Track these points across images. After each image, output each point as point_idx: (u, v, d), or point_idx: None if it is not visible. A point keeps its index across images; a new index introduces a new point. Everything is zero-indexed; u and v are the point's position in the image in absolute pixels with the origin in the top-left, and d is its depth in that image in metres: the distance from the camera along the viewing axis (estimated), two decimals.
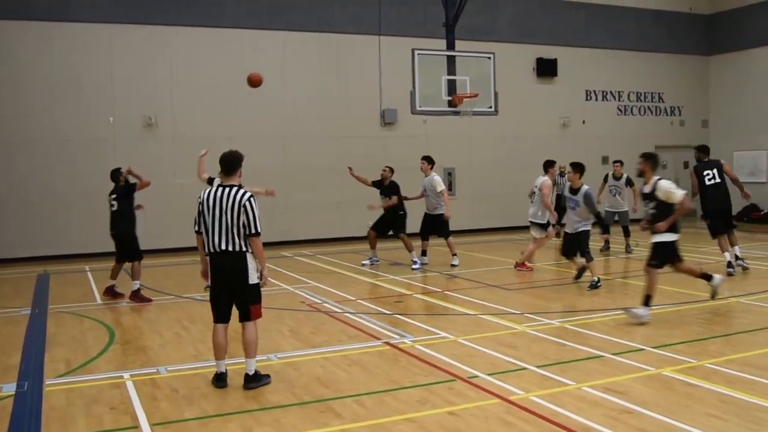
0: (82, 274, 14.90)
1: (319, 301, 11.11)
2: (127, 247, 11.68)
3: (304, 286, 12.61)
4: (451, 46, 16.16)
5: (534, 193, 14.10)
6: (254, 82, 10.56)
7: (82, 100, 17.58)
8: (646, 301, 9.04)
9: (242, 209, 6.72)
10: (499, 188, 21.79)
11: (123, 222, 11.60)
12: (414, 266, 14.14)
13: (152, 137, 18.14)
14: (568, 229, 12.17)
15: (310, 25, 19.56)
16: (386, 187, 14.75)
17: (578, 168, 12.05)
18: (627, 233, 16.33)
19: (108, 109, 17.74)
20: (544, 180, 13.97)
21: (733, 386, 6.45)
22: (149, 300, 11.54)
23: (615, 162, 16.90)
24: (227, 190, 6.82)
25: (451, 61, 15.65)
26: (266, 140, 19.05)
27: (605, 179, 16.96)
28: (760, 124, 24.04)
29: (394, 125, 20.35)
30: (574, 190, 11.88)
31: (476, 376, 6.93)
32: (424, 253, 14.79)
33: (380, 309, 10.38)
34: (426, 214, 14.73)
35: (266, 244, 17.48)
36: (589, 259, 11.84)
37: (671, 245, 9.21)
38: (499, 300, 10.88)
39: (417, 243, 14.71)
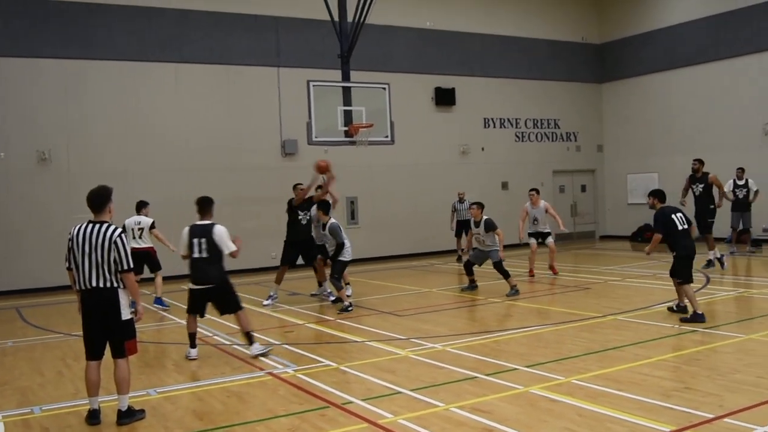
0: None
1: (210, 334, 11.09)
2: None
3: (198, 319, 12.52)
4: (346, 76, 16.38)
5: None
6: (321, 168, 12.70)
7: None
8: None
9: (113, 245, 6.72)
10: (401, 216, 22.15)
11: None
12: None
13: (46, 172, 17.80)
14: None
15: (204, 57, 19.60)
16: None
17: None
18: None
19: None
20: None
21: (594, 401, 6.75)
22: None
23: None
24: (97, 226, 6.81)
25: (346, 92, 15.84)
26: (164, 174, 18.92)
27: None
28: (650, 148, 25.12)
29: (295, 155, 20.48)
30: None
31: (350, 402, 7.07)
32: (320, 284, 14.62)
33: (270, 339, 10.43)
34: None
35: (168, 278, 17.40)
36: (339, 287, 12.35)
37: None
38: (388, 326, 11.07)
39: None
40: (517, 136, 25.04)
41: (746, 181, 18.85)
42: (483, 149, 24.12)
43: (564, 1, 26.05)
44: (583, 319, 10.90)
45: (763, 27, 21.58)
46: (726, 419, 6.08)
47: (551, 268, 16.49)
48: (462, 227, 20.36)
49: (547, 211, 16.56)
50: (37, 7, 17.80)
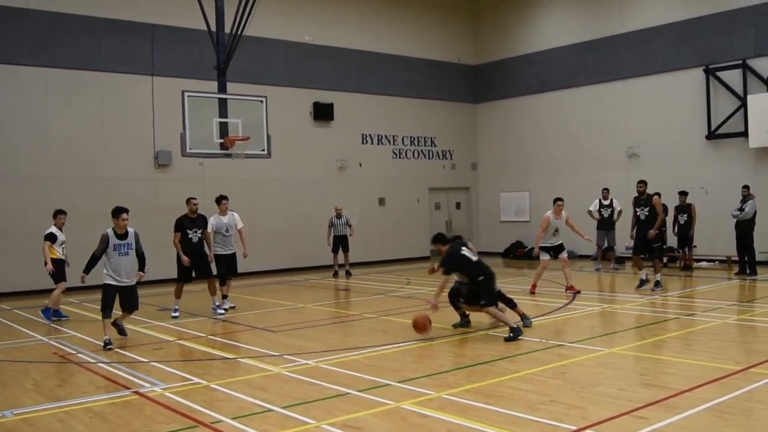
0: None
1: (73, 352, 10.61)
2: None
3: (60, 336, 12.02)
4: (222, 88, 16.10)
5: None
6: (419, 327, 10.64)
7: None
8: None
9: None
10: (277, 230, 21.94)
11: None
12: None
13: None
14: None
15: (75, 62, 18.83)
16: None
17: None
18: None
19: None
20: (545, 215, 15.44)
21: (463, 415, 6.84)
22: None
23: None
24: None
25: (223, 104, 15.57)
26: (29, 182, 18.03)
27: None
28: (523, 168, 25.94)
29: (169, 167, 19.99)
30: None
31: (220, 421, 6.89)
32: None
33: (137, 357, 10.08)
34: (223, 255, 14.40)
35: (29, 292, 16.56)
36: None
37: None
38: (261, 342, 10.91)
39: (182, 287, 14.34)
40: (395, 153, 25.33)
41: (611, 201, 19.75)
42: (360, 165, 24.27)
43: (441, 22, 26.61)
44: (455, 335, 11.07)
45: (625, 56, 22.75)
46: (588, 430, 6.28)
47: (570, 288, 15.26)
48: (339, 243, 20.38)
49: (567, 221, 15.45)
50: None
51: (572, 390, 7.67)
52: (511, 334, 10.36)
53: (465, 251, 10.91)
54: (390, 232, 24.62)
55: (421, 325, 10.67)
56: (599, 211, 19.79)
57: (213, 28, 15.84)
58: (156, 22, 20.02)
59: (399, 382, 8.17)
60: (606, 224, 19.75)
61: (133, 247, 10.94)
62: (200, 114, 15.07)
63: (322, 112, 23.24)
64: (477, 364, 9.05)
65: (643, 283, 15.49)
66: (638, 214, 15.80)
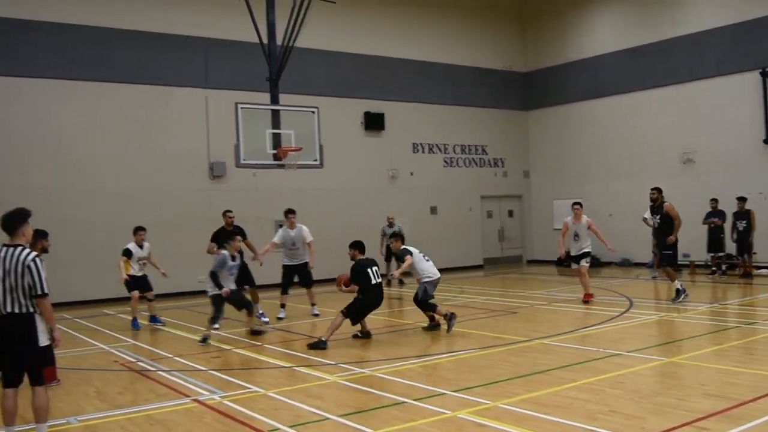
0: None
1: (133, 360, 10.83)
2: None
3: (121, 344, 12.27)
4: (275, 99, 16.31)
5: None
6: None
7: None
8: None
9: (26, 270, 6.48)
10: (329, 240, 21.98)
11: None
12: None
13: None
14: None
15: (131, 77, 19.28)
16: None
17: None
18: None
19: None
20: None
21: (520, 425, 6.80)
22: None
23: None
24: (11, 250, 6.58)
25: (275, 115, 15.79)
26: (87, 195, 18.51)
27: None
28: (576, 175, 25.68)
29: (223, 178, 20.30)
30: None
31: (277, 429, 6.96)
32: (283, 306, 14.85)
33: (196, 365, 10.24)
34: (290, 266, 14.87)
35: (90, 302, 16.86)
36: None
37: None
38: (317, 351, 10.98)
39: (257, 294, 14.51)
40: (446, 162, 25.32)
41: None
42: (412, 174, 24.32)
43: (490, 30, 26.55)
44: (511, 343, 11.01)
45: (679, 60, 22.42)
46: None
47: (585, 295, 15.30)
48: (391, 252, 20.41)
49: (589, 227, 15.22)
50: None
51: (631, 400, 7.56)
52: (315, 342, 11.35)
53: (369, 272, 11.93)
54: (442, 241, 24.54)
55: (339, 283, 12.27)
56: (654, 218, 19.44)
57: (265, 40, 16.06)
58: (209, 35, 20.38)
59: (455, 391, 8.16)
60: None
61: (239, 266, 12.38)
62: (253, 125, 15.31)
63: (373, 122, 23.38)
64: (533, 373, 8.98)
65: (679, 293, 14.65)
66: (651, 222, 15.27)
